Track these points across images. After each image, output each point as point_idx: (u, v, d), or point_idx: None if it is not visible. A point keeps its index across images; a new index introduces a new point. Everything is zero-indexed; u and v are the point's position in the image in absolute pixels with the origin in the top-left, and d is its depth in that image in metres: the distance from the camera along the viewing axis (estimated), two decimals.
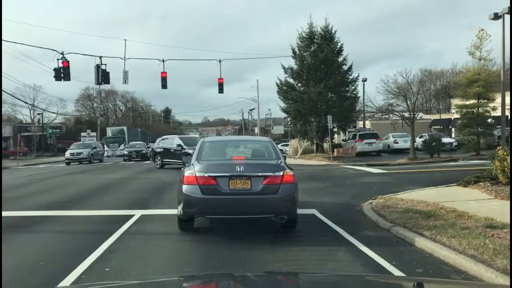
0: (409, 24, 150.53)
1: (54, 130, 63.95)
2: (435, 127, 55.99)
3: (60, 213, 9.84)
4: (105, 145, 50.32)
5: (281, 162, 7.38)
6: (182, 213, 7.13)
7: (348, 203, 10.85)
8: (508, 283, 4.51)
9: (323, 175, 19.24)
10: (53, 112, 68.31)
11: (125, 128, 58.87)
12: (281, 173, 6.97)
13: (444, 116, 57.11)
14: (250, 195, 6.83)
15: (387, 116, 34.84)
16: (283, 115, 51.58)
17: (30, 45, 70.79)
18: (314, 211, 9.46)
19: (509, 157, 10.64)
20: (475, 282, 4.73)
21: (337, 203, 10.98)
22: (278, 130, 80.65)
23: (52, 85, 74.52)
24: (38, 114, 61.81)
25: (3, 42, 20.24)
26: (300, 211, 9.19)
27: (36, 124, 62.08)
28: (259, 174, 6.93)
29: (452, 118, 50.38)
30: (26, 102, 57.42)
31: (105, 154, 47.99)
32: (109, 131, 57.19)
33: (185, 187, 6.95)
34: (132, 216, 9.05)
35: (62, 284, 4.98)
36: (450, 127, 52.49)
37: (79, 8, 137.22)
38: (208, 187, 6.81)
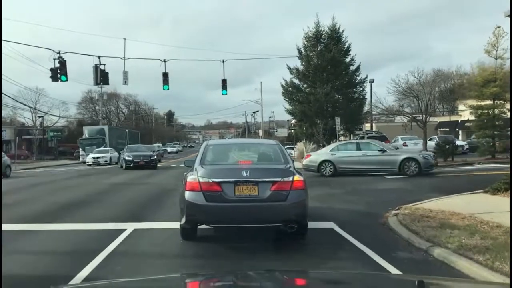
0: (417, 26, 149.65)
1: (55, 133, 62.82)
2: (442, 129, 54.67)
3: (41, 227, 8.57)
4: (80, 149, 44.87)
5: (290, 166, 6.91)
6: (184, 221, 6.67)
7: (368, 214, 9.66)
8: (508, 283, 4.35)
9: (333, 180, 18.05)
10: (55, 115, 67.28)
11: (105, 127, 49.65)
12: (290, 179, 6.47)
13: (450, 118, 55.61)
14: (257, 202, 6.35)
15: (398, 117, 33.64)
16: (287, 117, 50.58)
17: (24, 44, 68.77)
18: (331, 225, 8.28)
19: None
20: (475, 281, 4.46)
21: (355, 213, 9.78)
22: (282, 133, 79.48)
23: (55, 88, 73.89)
24: (39, 117, 60.70)
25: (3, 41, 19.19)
26: (315, 224, 8.08)
27: (38, 127, 61.11)
28: (267, 179, 6.45)
29: (459, 120, 49.11)
30: (25, 105, 56.20)
31: (81, 159, 42.64)
32: (86, 131, 48.21)
33: (187, 194, 6.47)
34: (123, 231, 7.87)
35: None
36: (457, 129, 51.22)
37: (86, 10, 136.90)
38: (212, 194, 6.35)
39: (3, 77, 15.63)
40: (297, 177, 6.53)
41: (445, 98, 65.82)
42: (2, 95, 33.42)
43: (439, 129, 55.61)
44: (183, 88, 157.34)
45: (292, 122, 71.80)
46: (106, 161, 35.89)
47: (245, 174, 6.41)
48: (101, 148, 39.86)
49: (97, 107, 79.80)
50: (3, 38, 17.78)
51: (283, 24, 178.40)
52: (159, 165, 32.31)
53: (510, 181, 9.99)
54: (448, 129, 53.35)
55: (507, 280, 4.64)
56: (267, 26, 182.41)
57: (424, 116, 24.24)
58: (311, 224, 8.10)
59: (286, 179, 6.46)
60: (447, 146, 25.21)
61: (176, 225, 8.07)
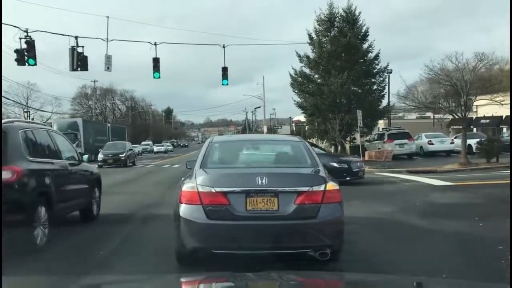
0: (417, 26, 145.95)
1: None
2: (455, 127, 51.21)
3: None
4: None
5: (320, 170, 5.46)
6: (179, 245, 5.21)
7: (478, 267, 5.64)
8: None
9: (366, 189, 14.05)
10: (46, 111, 63.44)
11: (79, 120, 42.38)
12: (322, 188, 5.11)
13: (478, 114, 52.14)
14: (277, 220, 4.99)
15: (405, 113, 29.58)
16: (287, 115, 46.79)
17: None
18: None
19: None
20: (475, 282, 3.93)
21: (454, 267, 5.69)
22: (286, 130, 76.09)
23: (49, 83, 70.51)
24: (25, 111, 56.84)
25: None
26: None
27: None
28: (290, 188, 5.11)
29: (474, 117, 45.91)
30: (9, 99, 52.14)
31: None
32: (55, 125, 39.00)
33: (182, 208, 5.05)
34: None
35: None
36: (471, 126, 47.89)
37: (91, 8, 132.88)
38: (216, 208, 4.98)
39: None
40: (330, 185, 5.25)
41: (450, 95, 62.12)
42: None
43: (451, 127, 52.10)
44: (182, 86, 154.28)
45: (293, 119, 68.05)
46: None
47: (260, 182, 5.12)
48: None
49: (90, 102, 76.72)
50: None
51: (286, 24, 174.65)
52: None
53: (510, 184, 9.60)
54: (461, 127, 49.95)
55: None
56: (269, 26, 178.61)
57: (464, 108, 20.28)
58: None
59: (316, 188, 5.18)
60: (493, 144, 21.17)
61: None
